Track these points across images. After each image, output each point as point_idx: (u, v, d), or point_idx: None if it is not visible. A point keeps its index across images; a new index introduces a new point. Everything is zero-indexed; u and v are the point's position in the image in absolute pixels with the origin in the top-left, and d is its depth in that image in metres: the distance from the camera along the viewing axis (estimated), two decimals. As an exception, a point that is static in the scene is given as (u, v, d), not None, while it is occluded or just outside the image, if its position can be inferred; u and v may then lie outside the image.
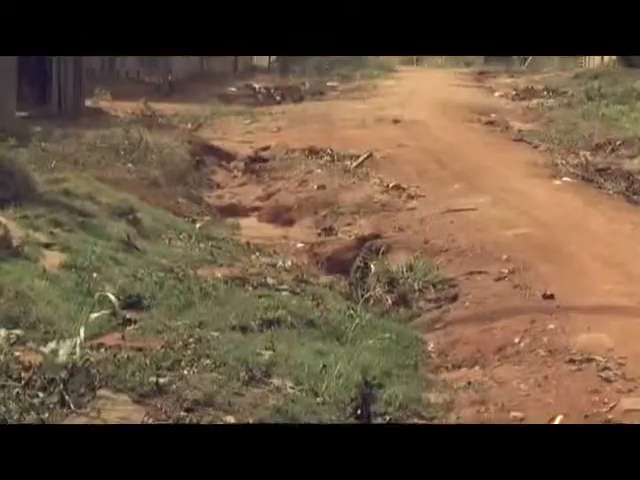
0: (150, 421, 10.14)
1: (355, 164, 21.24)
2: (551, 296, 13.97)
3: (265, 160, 22.37)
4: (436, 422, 11.26)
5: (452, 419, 11.35)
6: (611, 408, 10.85)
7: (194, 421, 10.27)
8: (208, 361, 11.62)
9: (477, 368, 12.57)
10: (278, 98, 32.96)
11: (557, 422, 10.84)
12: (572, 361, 12.04)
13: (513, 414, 11.17)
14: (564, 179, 19.75)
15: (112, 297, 12.86)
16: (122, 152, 20.46)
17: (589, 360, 11.97)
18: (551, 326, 13.03)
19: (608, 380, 11.48)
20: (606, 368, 11.73)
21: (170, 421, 10.15)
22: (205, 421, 10.32)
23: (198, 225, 17.68)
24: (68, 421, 9.90)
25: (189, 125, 25.37)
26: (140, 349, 11.67)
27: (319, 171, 21.17)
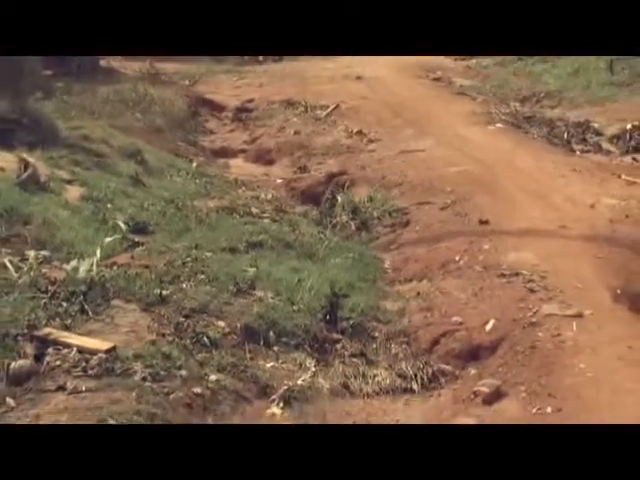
0: (155, 326, 10.16)
1: (325, 114, 21.13)
2: (486, 222, 13.99)
3: (250, 110, 22.26)
4: (392, 328, 11.31)
5: (404, 323, 11.40)
6: (534, 313, 10.91)
7: (191, 326, 10.30)
8: (203, 276, 11.63)
9: (425, 281, 12.61)
10: (261, 59, 32.82)
11: (489, 326, 10.90)
12: (503, 275, 12.08)
13: (454, 318, 11.22)
14: (497, 125, 19.70)
15: (122, 224, 12.90)
16: (130, 104, 20.33)
17: (517, 274, 12.01)
18: (486, 246, 13.06)
19: (532, 290, 11.52)
20: (531, 281, 11.77)
21: (170, 327, 10.18)
22: (200, 326, 10.36)
23: (194, 164, 17.62)
24: (87, 327, 9.92)
25: (187, 81, 25.21)
26: (146, 266, 11.66)
27: (295, 120, 21.10)
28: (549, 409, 9.01)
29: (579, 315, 10.77)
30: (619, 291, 11.56)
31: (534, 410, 9.08)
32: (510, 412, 9.23)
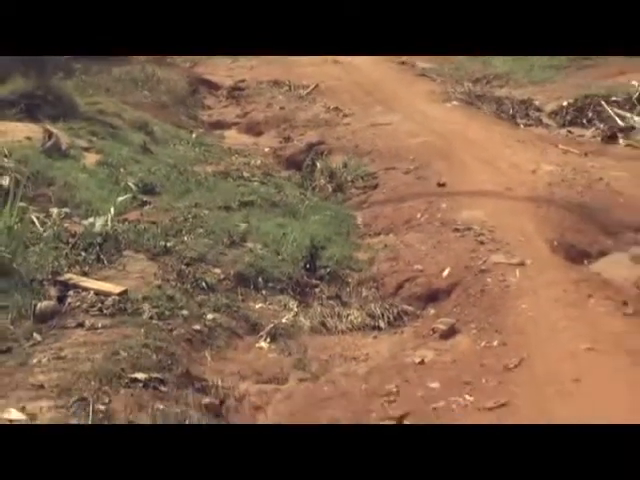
0: (160, 272, 10.16)
1: (306, 92, 21.03)
2: (443, 184, 13.97)
3: (242, 89, 22.13)
4: (362, 275, 11.32)
5: (373, 270, 11.40)
6: (484, 262, 10.93)
7: (191, 273, 10.30)
8: (201, 230, 11.62)
9: (391, 235, 12.60)
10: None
11: (445, 273, 10.91)
12: (457, 230, 12.07)
13: (416, 266, 11.23)
14: (453, 102, 19.63)
15: (133, 185, 12.85)
16: (140, 83, 20.18)
17: (469, 229, 12.00)
18: (443, 205, 13.06)
19: (482, 243, 11.53)
20: (481, 234, 11.77)
21: (174, 273, 10.18)
22: (199, 273, 10.35)
23: (194, 135, 17.52)
24: (102, 273, 9.91)
25: (187, 64, 25.07)
26: (153, 222, 11.64)
27: (280, 97, 21.00)
28: (495, 343, 9.05)
29: (522, 263, 10.80)
30: (555, 243, 11.58)
31: (483, 344, 9.11)
32: (462, 345, 9.27)
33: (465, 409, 7.89)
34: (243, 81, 22.66)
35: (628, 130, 17.30)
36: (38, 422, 6.89)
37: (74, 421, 6.96)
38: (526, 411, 7.74)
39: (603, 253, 11.80)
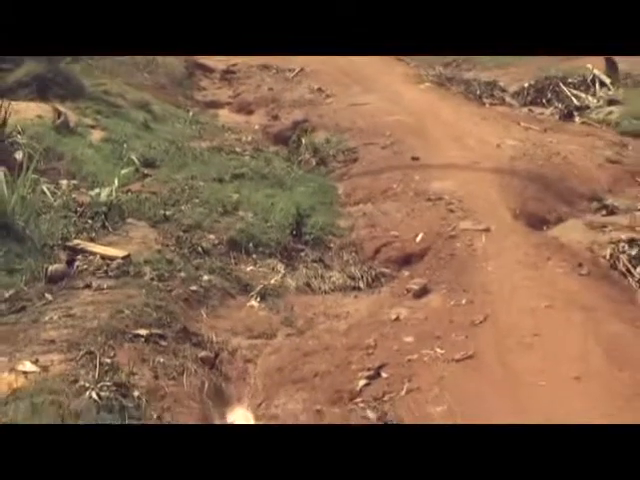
0: (160, 238, 10.14)
1: (292, 75, 20.91)
2: (417, 158, 13.91)
3: (234, 72, 21.96)
4: (344, 240, 11.31)
5: (353, 236, 11.39)
6: (453, 228, 10.94)
7: (188, 239, 10.28)
8: (197, 200, 11.60)
9: (369, 204, 12.56)
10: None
11: (419, 238, 10.90)
12: (429, 199, 12.06)
13: (392, 232, 11.22)
14: (426, 84, 19.56)
15: (135, 159, 12.78)
16: (141, 66, 19.94)
17: (440, 198, 11.99)
18: (416, 177, 13.02)
19: (452, 211, 11.52)
20: (450, 203, 11.76)
21: (172, 239, 10.17)
22: (195, 239, 10.34)
23: (190, 114, 17.39)
24: (107, 239, 9.89)
25: (185, 49, 24.88)
26: (154, 193, 11.62)
27: (269, 79, 20.86)
28: (463, 301, 9.06)
29: (487, 229, 10.80)
30: (518, 211, 11.59)
31: (452, 302, 9.12)
32: (434, 303, 9.26)
33: (436, 360, 7.91)
34: (235, 65, 22.47)
35: (583, 109, 17.33)
36: (50, 373, 6.91)
37: (82, 372, 6.96)
38: (490, 362, 7.77)
39: (560, 220, 11.83)
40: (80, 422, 6.27)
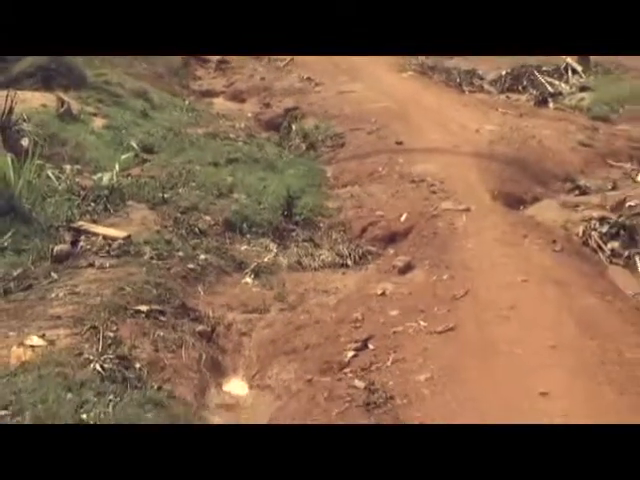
0: (159, 219, 10.13)
1: (283, 64, 20.86)
2: (401, 143, 13.89)
3: (228, 62, 21.86)
4: (332, 220, 11.30)
5: (341, 217, 11.39)
6: (435, 208, 10.93)
7: (186, 220, 10.27)
8: (194, 184, 11.58)
9: (356, 186, 12.53)
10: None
11: (403, 218, 10.90)
12: (413, 181, 12.05)
13: (377, 213, 11.22)
14: (409, 73, 19.53)
15: (135, 145, 12.76)
16: (139, 57, 19.90)
17: (423, 180, 11.99)
18: (400, 160, 13.00)
19: (434, 192, 11.52)
20: (433, 185, 11.76)
21: (171, 220, 10.16)
22: (192, 220, 10.33)
23: (187, 102, 17.32)
24: (109, 220, 9.88)
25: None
26: (152, 177, 11.59)
27: (261, 69, 20.80)
28: (445, 277, 9.06)
29: (467, 209, 10.80)
30: (496, 192, 11.59)
31: (435, 277, 9.12)
32: (417, 279, 9.27)
33: (419, 332, 7.92)
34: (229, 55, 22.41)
35: (556, 95, 17.37)
36: (56, 347, 6.91)
37: (87, 346, 6.98)
38: (470, 333, 7.79)
39: (536, 200, 11.85)
40: (84, 392, 6.30)
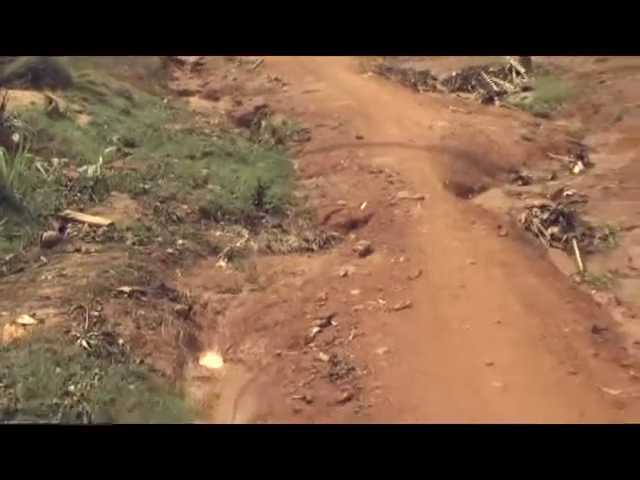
0: (140, 208, 10.07)
1: (254, 66, 20.73)
2: (361, 137, 13.86)
3: (203, 64, 21.70)
4: (299, 209, 11.26)
5: (306, 206, 11.36)
6: (392, 197, 10.95)
7: (165, 209, 10.22)
8: (172, 175, 11.49)
9: (321, 177, 12.50)
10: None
11: (363, 206, 10.91)
12: (372, 172, 12.05)
13: (340, 201, 11.22)
14: (369, 74, 19.48)
15: (117, 140, 12.68)
16: (121, 59, 19.70)
17: (381, 172, 11.99)
18: (361, 154, 12.99)
19: (391, 182, 11.53)
20: (390, 176, 11.76)
21: (151, 209, 10.10)
22: (170, 208, 10.27)
23: (165, 100, 17.15)
24: (94, 209, 9.80)
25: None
26: (134, 169, 11.48)
27: (233, 70, 20.64)
28: (402, 259, 9.09)
29: (422, 198, 10.82)
30: (447, 182, 11.62)
31: (392, 260, 9.15)
32: (376, 261, 9.29)
33: (378, 310, 7.96)
34: (203, 58, 22.23)
35: (502, 94, 17.40)
36: (45, 325, 6.87)
37: (74, 324, 6.94)
38: (424, 310, 7.84)
39: (483, 189, 11.91)
40: (71, 366, 6.28)
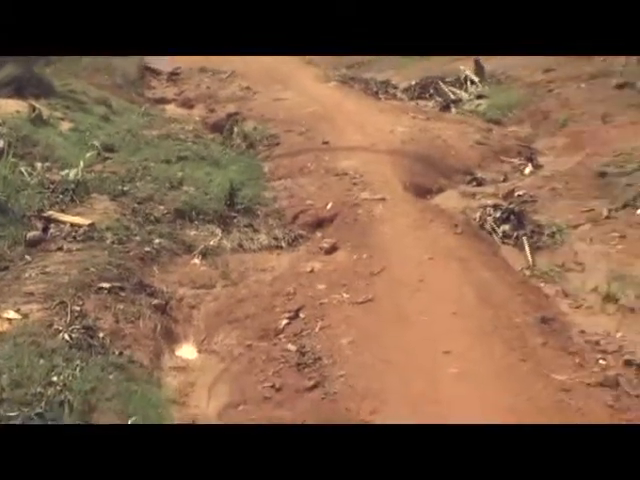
0: (119, 209, 10.01)
1: (226, 76, 20.67)
2: (327, 142, 13.84)
3: (178, 74, 21.59)
4: (269, 209, 11.24)
5: (276, 206, 11.34)
6: (356, 198, 10.95)
7: (142, 209, 10.16)
8: (149, 178, 11.42)
9: (289, 180, 12.47)
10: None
11: (329, 207, 10.90)
12: (337, 175, 12.05)
13: (307, 202, 11.21)
14: (333, 83, 19.48)
15: (98, 145, 12.53)
16: (101, 69, 19.54)
17: (345, 174, 11.99)
18: (326, 158, 12.97)
19: (355, 184, 11.54)
20: (354, 178, 11.76)
21: (129, 210, 10.04)
22: (148, 209, 10.22)
23: (143, 108, 17.01)
24: (75, 210, 9.74)
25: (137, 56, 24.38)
26: (114, 172, 11.41)
27: (207, 80, 20.56)
28: (365, 256, 9.11)
29: (383, 199, 10.85)
30: (407, 184, 11.65)
31: (355, 257, 9.17)
32: (341, 258, 9.29)
33: (343, 303, 7.98)
34: (178, 68, 22.11)
35: (457, 102, 17.48)
36: (30, 319, 6.83)
37: (56, 318, 6.90)
38: (386, 304, 7.87)
39: (441, 190, 11.94)
40: (54, 358, 6.25)
